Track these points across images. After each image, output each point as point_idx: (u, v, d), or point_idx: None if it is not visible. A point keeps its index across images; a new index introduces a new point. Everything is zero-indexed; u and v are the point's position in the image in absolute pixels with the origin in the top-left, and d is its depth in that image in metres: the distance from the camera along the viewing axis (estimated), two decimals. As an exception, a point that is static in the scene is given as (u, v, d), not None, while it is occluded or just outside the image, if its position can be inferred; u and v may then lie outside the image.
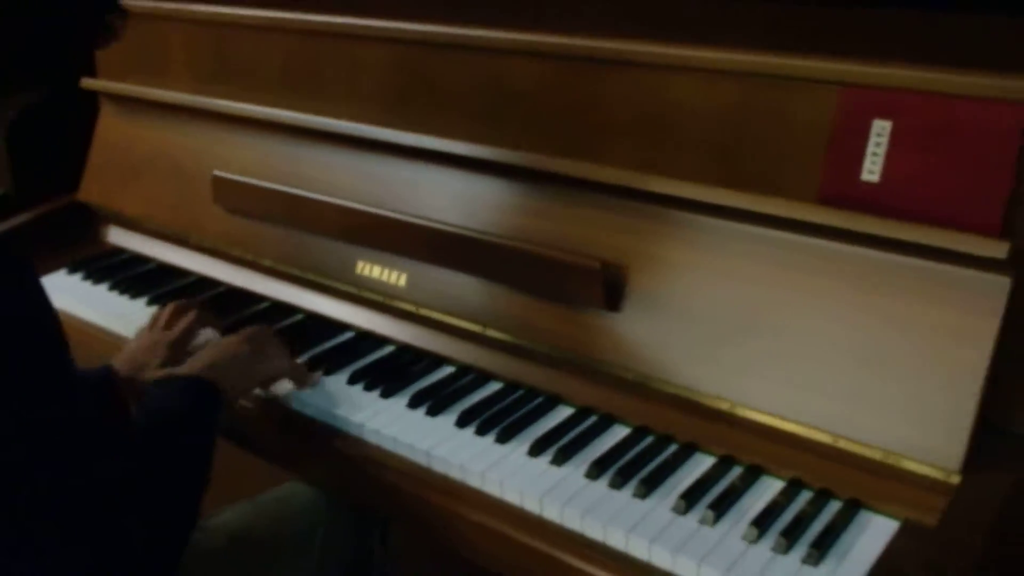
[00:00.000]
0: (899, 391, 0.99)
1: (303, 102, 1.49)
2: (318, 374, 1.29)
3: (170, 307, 1.35)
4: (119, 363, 1.26)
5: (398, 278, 1.37)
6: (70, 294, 1.61)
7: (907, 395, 0.99)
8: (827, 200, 1.03)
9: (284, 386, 1.26)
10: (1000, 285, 0.95)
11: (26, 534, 0.84)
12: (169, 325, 1.32)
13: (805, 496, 1.03)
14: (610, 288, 1.17)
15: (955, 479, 0.96)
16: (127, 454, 0.95)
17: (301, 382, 1.26)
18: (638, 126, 1.18)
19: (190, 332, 1.32)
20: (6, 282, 0.84)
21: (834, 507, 1.01)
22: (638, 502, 1.04)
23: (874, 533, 0.98)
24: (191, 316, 1.33)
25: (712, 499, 1.02)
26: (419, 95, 1.38)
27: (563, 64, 1.22)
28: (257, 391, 1.25)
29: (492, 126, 1.30)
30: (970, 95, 0.95)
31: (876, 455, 1.01)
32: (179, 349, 1.28)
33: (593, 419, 1.19)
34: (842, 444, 1.03)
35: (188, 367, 1.15)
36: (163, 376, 1.15)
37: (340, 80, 1.47)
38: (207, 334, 1.37)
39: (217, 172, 1.55)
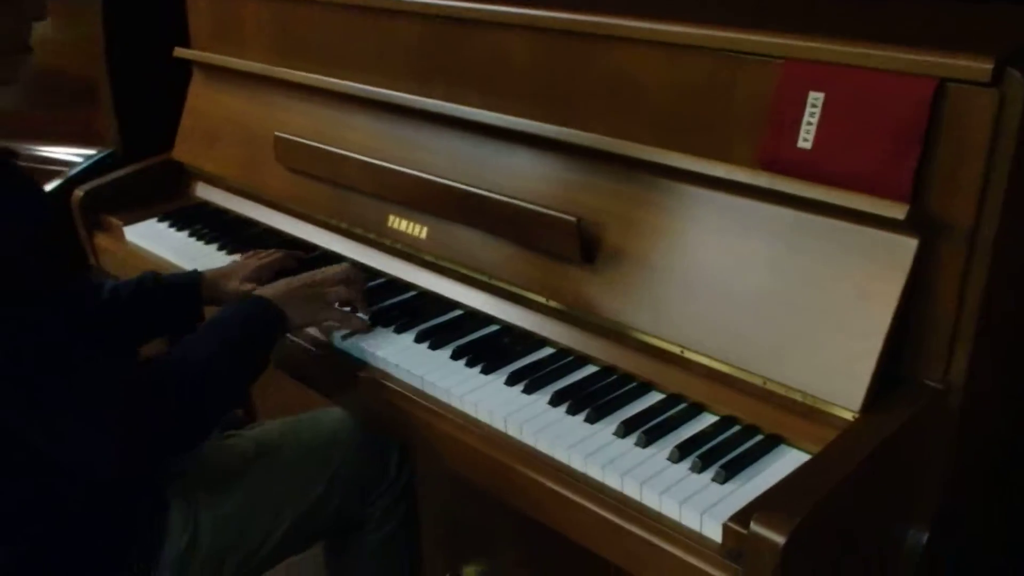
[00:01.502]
0: (817, 340, 1.10)
1: (348, 72, 1.68)
2: (365, 322, 1.44)
3: (270, 251, 1.62)
4: (210, 271, 1.54)
5: (419, 230, 1.55)
6: (158, 239, 1.87)
7: (824, 344, 1.10)
8: (767, 165, 1.15)
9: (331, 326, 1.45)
10: (907, 246, 1.05)
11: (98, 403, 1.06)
12: (261, 259, 1.58)
13: (734, 429, 1.15)
14: (585, 243, 1.31)
15: (855, 418, 1.06)
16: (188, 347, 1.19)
17: (350, 327, 1.43)
18: (609, 96, 1.31)
19: (273, 265, 1.57)
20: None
21: (756, 440, 1.13)
22: (587, 426, 1.18)
23: (785, 464, 1.09)
24: (279, 255, 1.60)
25: (649, 427, 1.16)
26: (438, 67, 1.54)
27: (549, 38, 1.36)
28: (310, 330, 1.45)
29: (496, 95, 1.46)
30: (889, 69, 1.05)
31: (797, 396, 1.12)
32: (262, 273, 1.54)
33: (568, 359, 1.33)
34: (770, 386, 1.15)
35: (263, 290, 1.38)
36: (244, 292, 1.46)
37: (376, 53, 1.65)
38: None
39: (278, 133, 1.76)
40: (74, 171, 2.21)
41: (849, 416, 1.08)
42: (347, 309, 1.45)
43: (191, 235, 1.87)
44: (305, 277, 1.42)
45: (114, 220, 1.95)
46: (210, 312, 1.46)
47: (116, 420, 1.07)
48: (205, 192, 2.04)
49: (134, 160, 2.11)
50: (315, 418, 1.49)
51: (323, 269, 1.45)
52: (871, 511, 1.08)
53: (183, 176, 2.07)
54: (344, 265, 1.48)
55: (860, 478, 0.98)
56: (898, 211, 1.03)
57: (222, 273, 1.55)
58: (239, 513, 1.32)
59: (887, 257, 1.06)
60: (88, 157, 2.24)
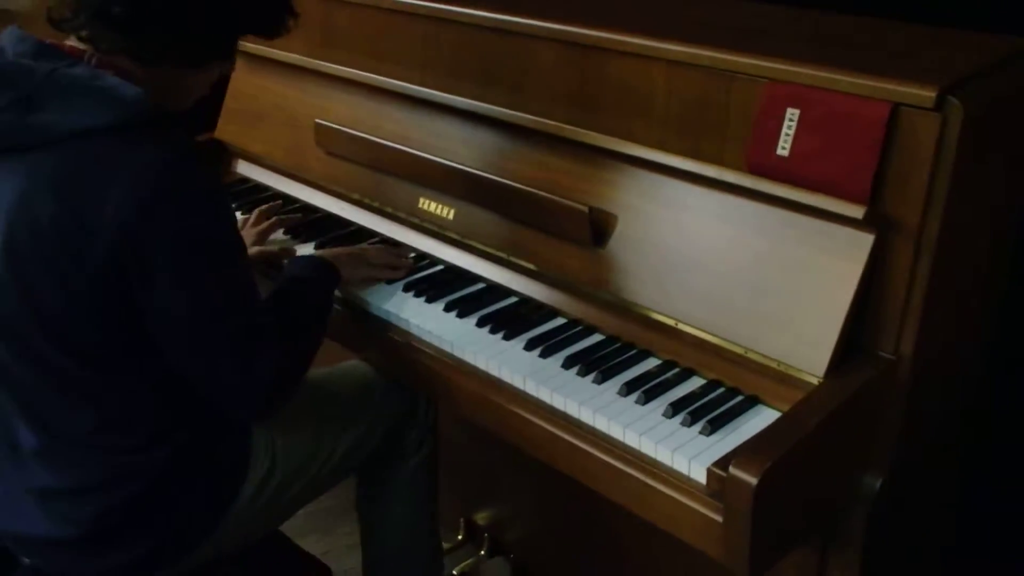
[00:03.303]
0: (791, 317, 1.31)
1: (385, 67, 1.88)
2: (408, 262, 1.73)
3: (256, 211, 1.91)
4: None
5: (448, 212, 1.76)
6: (206, 212, 2.07)
7: (795, 320, 1.31)
8: (752, 168, 1.35)
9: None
10: (865, 240, 1.26)
11: (213, 361, 1.28)
12: (256, 223, 1.87)
13: (719, 391, 1.37)
14: (595, 229, 1.52)
15: (819, 382, 1.28)
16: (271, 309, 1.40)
17: (395, 276, 1.70)
18: (620, 102, 1.51)
19: (268, 231, 1.87)
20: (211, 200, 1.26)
21: (738, 400, 1.35)
22: (594, 386, 1.40)
23: (761, 420, 1.31)
24: (274, 220, 1.90)
25: (647, 387, 1.38)
26: (471, 68, 1.74)
27: (569, 48, 1.56)
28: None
29: (520, 95, 1.66)
30: (853, 93, 1.25)
31: (773, 364, 1.34)
32: (263, 237, 1.85)
33: (579, 328, 1.55)
34: (751, 355, 1.36)
35: (321, 252, 1.67)
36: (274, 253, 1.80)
37: (414, 51, 1.84)
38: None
39: (319, 120, 1.96)
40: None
41: (815, 381, 1.29)
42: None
43: (236, 209, 2.06)
44: (351, 248, 1.71)
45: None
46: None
47: (267, 370, 1.30)
48: (246, 169, 2.23)
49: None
50: (350, 368, 1.72)
51: (362, 245, 1.72)
52: (832, 460, 1.30)
53: (225, 155, 2.27)
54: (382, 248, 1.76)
55: (822, 433, 1.20)
56: (857, 211, 1.24)
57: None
58: (307, 440, 1.54)
59: (849, 249, 1.27)
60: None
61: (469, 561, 2.14)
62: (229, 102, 2.24)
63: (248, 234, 1.83)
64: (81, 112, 1.19)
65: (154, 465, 1.34)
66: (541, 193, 1.58)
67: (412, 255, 1.81)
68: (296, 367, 1.40)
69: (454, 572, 2.10)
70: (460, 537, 2.18)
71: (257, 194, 2.13)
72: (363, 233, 1.90)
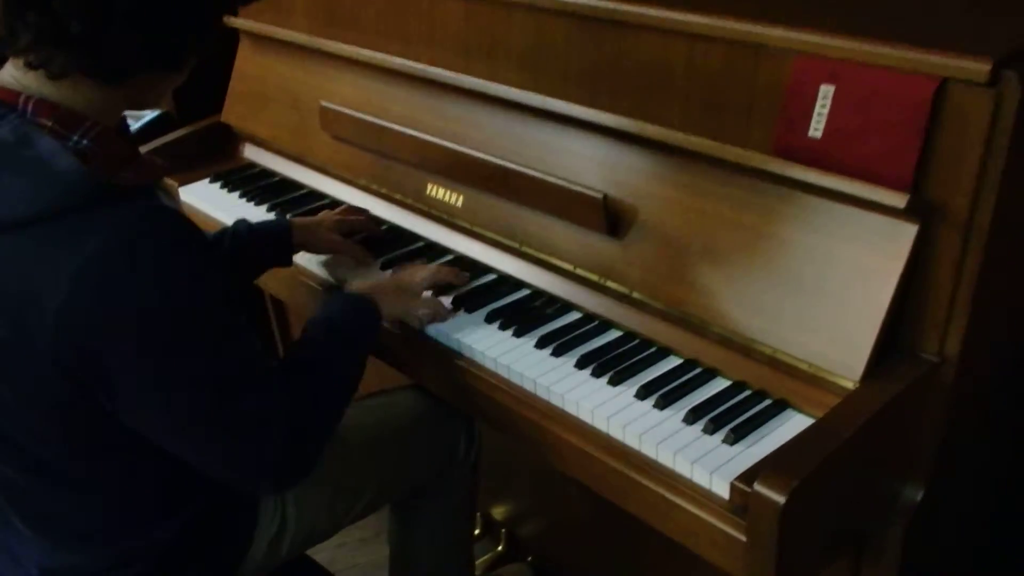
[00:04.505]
0: (823, 315, 1.20)
1: (392, 47, 1.77)
2: (449, 310, 1.49)
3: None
4: (297, 219, 1.67)
5: (456, 199, 1.65)
6: (209, 199, 1.98)
7: (829, 319, 1.19)
8: (780, 151, 1.23)
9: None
10: (907, 231, 1.13)
11: (210, 455, 1.13)
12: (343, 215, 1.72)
13: (743, 394, 1.26)
14: (611, 217, 1.40)
15: (855, 387, 1.16)
16: (285, 380, 1.18)
17: (438, 317, 1.47)
18: (640, 80, 1.39)
19: (353, 224, 1.70)
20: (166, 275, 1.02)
21: (764, 404, 1.24)
22: (610, 389, 1.29)
23: (790, 427, 1.20)
24: (362, 217, 1.73)
25: (666, 391, 1.27)
26: (482, 46, 1.63)
27: (587, 24, 1.44)
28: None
29: (536, 75, 1.54)
30: (896, 67, 1.12)
31: (803, 367, 1.22)
32: (342, 226, 1.67)
33: (594, 323, 1.44)
34: (779, 356, 1.24)
35: (360, 287, 1.45)
36: (332, 241, 1.62)
37: (421, 31, 1.74)
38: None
39: (324, 103, 1.86)
40: (132, 129, 2.33)
41: (850, 385, 1.18)
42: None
43: (241, 196, 1.98)
44: (394, 277, 1.51)
45: (170, 181, 2.06)
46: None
47: (280, 453, 1.12)
48: (253, 154, 2.14)
49: (187, 121, 2.22)
50: (390, 401, 1.57)
51: (410, 268, 1.53)
52: (868, 473, 1.18)
53: (232, 138, 2.18)
54: (432, 266, 1.54)
55: (857, 443, 1.09)
56: (899, 199, 1.11)
57: (310, 220, 1.67)
58: (324, 498, 1.40)
59: (889, 241, 1.15)
60: (140, 118, 2.35)
61: (486, 557, 2.07)
62: (235, 84, 2.15)
63: (329, 215, 1.71)
64: (2, 200, 0.98)
65: (159, 544, 1.24)
66: (553, 180, 1.47)
67: (420, 244, 1.71)
68: (317, 436, 1.21)
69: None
70: (478, 532, 2.12)
71: (264, 179, 2.05)
72: (433, 250, 1.72)
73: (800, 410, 1.23)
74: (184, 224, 1.06)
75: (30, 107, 1.02)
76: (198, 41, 1.09)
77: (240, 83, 2.14)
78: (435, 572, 1.70)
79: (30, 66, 1.01)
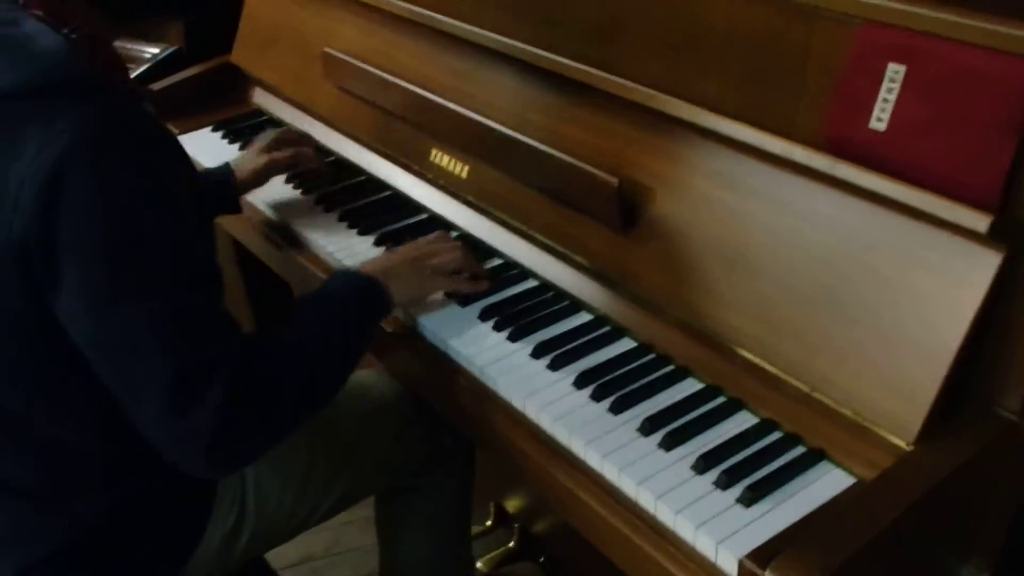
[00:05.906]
0: (875, 354, 0.96)
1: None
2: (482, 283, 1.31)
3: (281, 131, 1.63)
4: (234, 160, 1.56)
5: (461, 169, 1.44)
6: (209, 149, 1.81)
7: (882, 359, 0.96)
8: (832, 143, 0.98)
9: None
10: (989, 259, 0.89)
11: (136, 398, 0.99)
12: (279, 147, 1.57)
13: (771, 437, 1.04)
14: (625, 208, 1.18)
15: (910, 448, 0.93)
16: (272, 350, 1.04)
17: (462, 291, 1.29)
18: (670, 45, 1.15)
19: (291, 159, 1.56)
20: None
21: (795, 453, 1.01)
22: (610, 417, 1.09)
23: (823, 486, 0.98)
24: (303, 149, 1.59)
25: (675, 427, 1.05)
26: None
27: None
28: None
29: (549, 33, 1.31)
30: (987, 44, 0.86)
31: (847, 412, 0.99)
32: (279, 145, 1.56)
33: (605, 329, 1.23)
34: (817, 395, 1.02)
35: (366, 266, 1.23)
36: (262, 166, 1.51)
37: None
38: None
39: (327, 49, 1.65)
40: (142, 68, 2.16)
41: (903, 445, 0.95)
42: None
43: (242, 147, 1.80)
44: (406, 251, 1.28)
45: (169, 128, 1.89)
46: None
47: (207, 426, 0.96)
48: (262, 99, 1.95)
49: (197, 60, 2.04)
50: (360, 386, 1.37)
51: (425, 241, 1.30)
52: (920, 556, 0.96)
53: (242, 80, 1.99)
54: (460, 250, 1.30)
55: (908, 523, 0.86)
56: (981, 219, 0.86)
57: (242, 158, 1.56)
58: (290, 490, 1.26)
59: (965, 269, 0.90)
60: (154, 56, 2.18)
61: (495, 552, 1.92)
62: (244, 24, 1.96)
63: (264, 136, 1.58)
64: None
65: (97, 518, 1.10)
66: (563, 157, 1.24)
67: (423, 216, 1.51)
68: (271, 427, 1.04)
69: (478, 565, 1.87)
70: (489, 523, 1.96)
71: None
72: (372, 182, 1.59)
73: (839, 465, 1.00)
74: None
75: None
76: None
77: (249, 23, 1.95)
78: (425, 569, 1.53)
79: None
